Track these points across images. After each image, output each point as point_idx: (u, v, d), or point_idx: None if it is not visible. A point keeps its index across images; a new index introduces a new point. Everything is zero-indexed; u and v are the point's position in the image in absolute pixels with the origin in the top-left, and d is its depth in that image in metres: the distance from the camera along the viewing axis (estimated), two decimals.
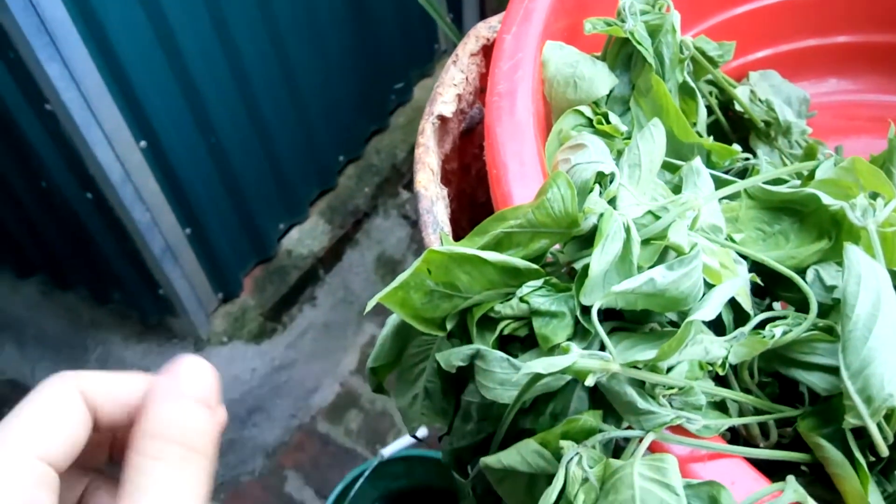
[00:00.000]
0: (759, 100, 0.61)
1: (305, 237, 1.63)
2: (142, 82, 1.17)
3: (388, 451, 1.17)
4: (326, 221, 1.66)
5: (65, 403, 0.27)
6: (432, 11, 1.22)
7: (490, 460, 0.36)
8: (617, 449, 0.36)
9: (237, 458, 1.44)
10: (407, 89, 1.77)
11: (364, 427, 1.47)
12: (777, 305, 0.45)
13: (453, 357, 0.37)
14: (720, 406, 0.37)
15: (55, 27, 1.03)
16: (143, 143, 1.23)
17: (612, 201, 0.37)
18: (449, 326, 0.38)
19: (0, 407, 1.55)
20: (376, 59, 1.60)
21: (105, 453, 0.32)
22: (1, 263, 1.63)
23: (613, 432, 0.36)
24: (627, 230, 0.35)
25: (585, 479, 0.33)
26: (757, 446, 0.39)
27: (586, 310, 0.35)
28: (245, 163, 1.42)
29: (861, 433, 0.36)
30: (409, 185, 1.77)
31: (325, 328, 1.58)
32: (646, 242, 0.37)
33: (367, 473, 1.16)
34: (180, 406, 0.28)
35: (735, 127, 0.63)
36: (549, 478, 0.34)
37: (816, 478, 0.38)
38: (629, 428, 0.36)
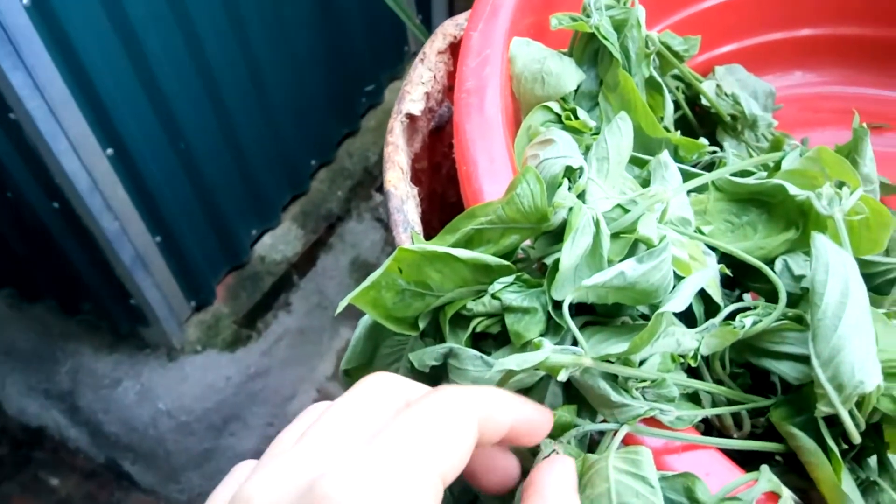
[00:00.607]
0: (725, 94, 0.62)
1: (278, 243, 1.62)
2: (107, 89, 1.15)
3: None
4: (299, 226, 1.65)
5: (464, 426, 0.28)
6: (401, 13, 1.22)
7: None
8: (592, 442, 0.36)
9: (214, 468, 1.42)
10: (377, 92, 1.77)
11: None
12: (747, 297, 0.45)
13: (426, 356, 0.37)
14: (693, 398, 0.37)
15: (18, 35, 1.01)
16: (109, 151, 1.21)
17: (581, 195, 0.37)
18: (421, 326, 0.38)
19: None
20: (346, 62, 1.60)
21: None
22: None
23: (588, 426, 0.36)
24: (597, 224, 0.35)
25: None
26: (731, 437, 0.39)
27: (558, 305, 0.35)
28: (215, 169, 1.40)
29: (833, 421, 0.36)
30: (382, 188, 1.76)
31: (300, 334, 1.57)
32: (615, 236, 0.37)
33: None
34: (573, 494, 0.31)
35: (702, 122, 0.64)
36: (526, 473, 0.34)
37: (790, 467, 0.38)
38: (604, 421, 0.36)
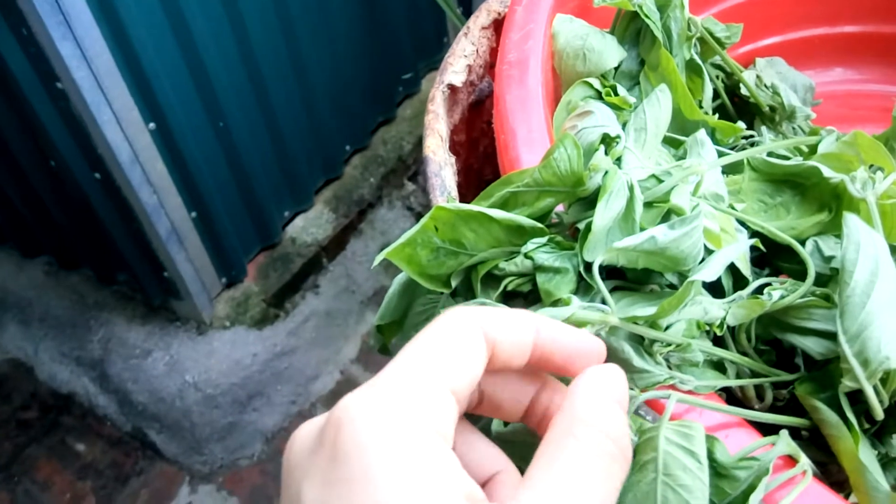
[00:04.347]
0: (765, 85, 0.62)
1: (310, 225, 1.64)
2: (152, 64, 1.18)
3: None
4: (331, 210, 1.66)
5: (470, 340, 0.28)
6: (442, 2, 1.23)
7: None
8: None
9: (236, 442, 1.45)
10: (415, 81, 1.78)
11: None
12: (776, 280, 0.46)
13: None
14: (718, 367, 0.38)
15: (68, 6, 1.03)
16: (151, 125, 1.23)
17: (617, 162, 0.38)
18: (454, 283, 0.39)
19: (1, 386, 1.56)
20: (385, 50, 1.61)
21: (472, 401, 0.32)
22: (7, 243, 1.64)
23: None
24: (631, 188, 0.35)
25: None
26: (752, 408, 0.39)
27: (589, 266, 0.36)
28: (252, 149, 1.42)
29: (857, 399, 0.36)
30: (415, 177, 1.77)
31: (327, 316, 1.59)
32: (648, 205, 0.38)
33: None
34: (612, 406, 0.28)
35: (741, 112, 0.64)
36: None
37: (811, 441, 0.39)
38: None
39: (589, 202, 0.38)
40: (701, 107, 0.54)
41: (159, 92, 1.21)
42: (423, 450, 0.25)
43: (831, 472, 0.37)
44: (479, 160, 0.60)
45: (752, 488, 0.31)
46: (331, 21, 1.44)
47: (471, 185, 0.59)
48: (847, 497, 0.36)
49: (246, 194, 1.47)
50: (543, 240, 0.37)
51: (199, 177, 1.35)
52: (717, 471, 0.33)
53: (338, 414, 0.26)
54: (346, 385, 1.53)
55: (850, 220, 0.37)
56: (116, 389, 1.48)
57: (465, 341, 0.28)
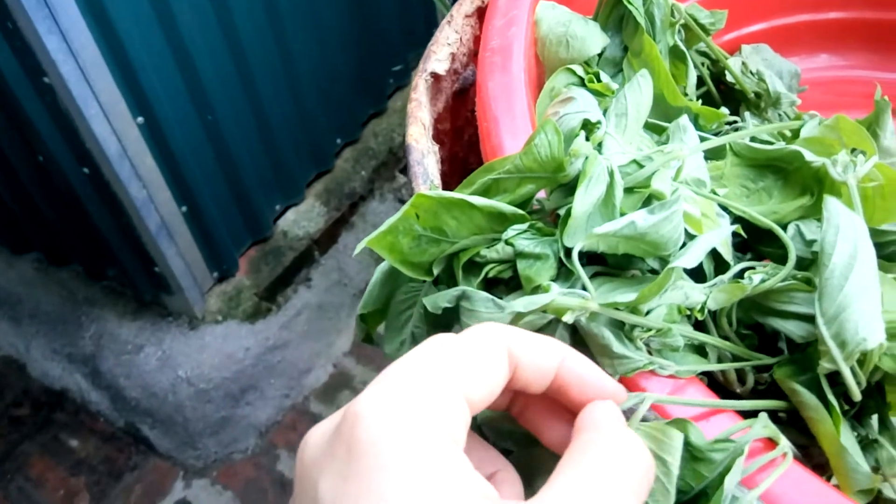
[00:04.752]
0: (751, 72, 0.62)
1: (301, 219, 1.64)
2: (140, 57, 1.17)
3: None
4: (322, 203, 1.66)
5: (493, 354, 0.29)
6: None
7: None
8: None
9: (230, 436, 1.45)
10: (405, 73, 1.78)
11: None
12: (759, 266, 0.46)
13: (440, 299, 0.37)
14: (699, 351, 0.38)
15: None
16: (140, 120, 1.23)
17: (598, 148, 0.38)
18: (436, 271, 0.39)
19: None
20: (375, 42, 1.61)
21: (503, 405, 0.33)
22: None
23: None
24: (611, 174, 0.35)
25: None
26: (734, 392, 0.39)
27: (569, 252, 0.36)
28: (242, 143, 1.42)
29: (835, 381, 0.37)
30: (406, 170, 1.77)
31: (319, 309, 1.59)
32: (629, 190, 0.38)
33: None
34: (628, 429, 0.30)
35: (726, 99, 0.64)
36: None
37: (792, 425, 0.39)
38: None
39: (570, 188, 0.38)
40: (685, 94, 0.54)
41: (147, 85, 1.20)
42: (438, 450, 0.25)
43: (812, 454, 0.38)
44: (464, 149, 0.60)
45: (727, 470, 0.31)
46: (320, 13, 1.44)
47: (455, 174, 0.59)
48: (828, 479, 0.36)
49: (236, 188, 1.46)
50: (524, 226, 0.37)
51: (188, 171, 1.34)
52: (693, 454, 0.33)
53: (354, 410, 0.26)
54: (339, 378, 1.53)
55: (831, 204, 0.37)
56: (109, 385, 1.48)
57: (487, 354, 0.28)
